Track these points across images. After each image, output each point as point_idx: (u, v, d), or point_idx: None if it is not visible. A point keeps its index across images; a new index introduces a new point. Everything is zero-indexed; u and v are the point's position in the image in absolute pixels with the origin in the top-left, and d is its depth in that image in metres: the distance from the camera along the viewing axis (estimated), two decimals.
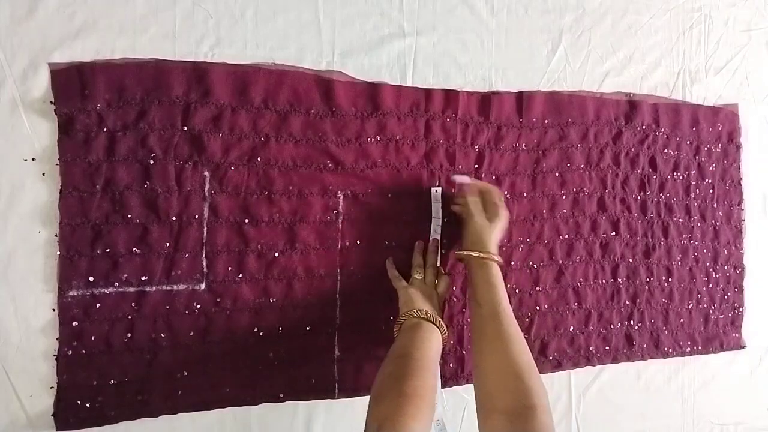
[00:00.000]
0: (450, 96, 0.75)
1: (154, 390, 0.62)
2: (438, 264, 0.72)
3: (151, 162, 0.62)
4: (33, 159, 0.59)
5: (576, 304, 0.83)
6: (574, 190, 0.82)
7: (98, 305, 0.60)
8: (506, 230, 0.72)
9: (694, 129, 0.91)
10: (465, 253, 0.67)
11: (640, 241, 0.87)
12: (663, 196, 0.88)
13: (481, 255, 0.66)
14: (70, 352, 0.60)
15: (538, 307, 0.80)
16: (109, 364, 0.61)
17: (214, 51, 0.66)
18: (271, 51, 0.68)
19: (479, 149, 0.77)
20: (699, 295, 0.91)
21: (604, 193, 0.84)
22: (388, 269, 0.71)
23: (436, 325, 0.63)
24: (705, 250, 0.92)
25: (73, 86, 0.59)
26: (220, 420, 0.66)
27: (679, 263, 0.89)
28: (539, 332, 0.80)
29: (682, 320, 0.90)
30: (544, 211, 0.81)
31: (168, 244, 0.63)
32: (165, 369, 0.63)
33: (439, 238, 0.73)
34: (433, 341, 0.61)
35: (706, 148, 0.92)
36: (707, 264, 0.92)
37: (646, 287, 0.87)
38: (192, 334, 0.64)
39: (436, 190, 0.74)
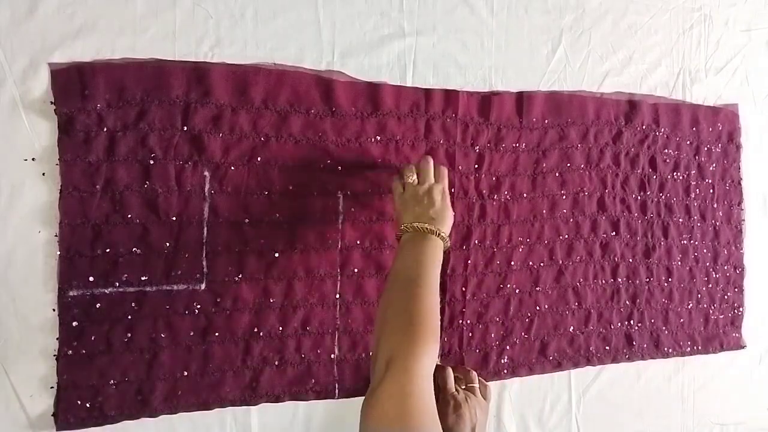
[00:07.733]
0: (450, 96, 0.75)
1: (154, 390, 0.62)
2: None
3: (151, 162, 0.62)
4: (33, 159, 0.59)
5: (576, 304, 0.83)
6: (574, 190, 0.82)
7: (98, 305, 0.60)
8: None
9: (694, 129, 0.91)
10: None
11: (640, 241, 0.87)
12: (663, 196, 0.88)
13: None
14: (70, 352, 0.60)
15: (538, 307, 0.80)
16: (109, 364, 0.61)
17: (214, 51, 0.65)
18: (271, 51, 0.68)
19: (479, 150, 0.77)
20: (699, 295, 0.91)
21: (604, 193, 0.84)
22: (395, 180, 0.67)
23: (437, 236, 0.60)
24: (705, 250, 0.92)
25: (73, 86, 0.59)
26: (220, 420, 0.66)
27: (679, 263, 0.89)
28: (539, 332, 0.80)
29: (682, 320, 0.90)
30: (544, 212, 0.80)
31: (168, 244, 0.63)
32: (165, 369, 0.63)
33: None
34: (436, 256, 0.58)
35: (706, 148, 0.92)
36: (707, 264, 0.92)
37: (646, 287, 0.87)
38: (192, 334, 0.64)
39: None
